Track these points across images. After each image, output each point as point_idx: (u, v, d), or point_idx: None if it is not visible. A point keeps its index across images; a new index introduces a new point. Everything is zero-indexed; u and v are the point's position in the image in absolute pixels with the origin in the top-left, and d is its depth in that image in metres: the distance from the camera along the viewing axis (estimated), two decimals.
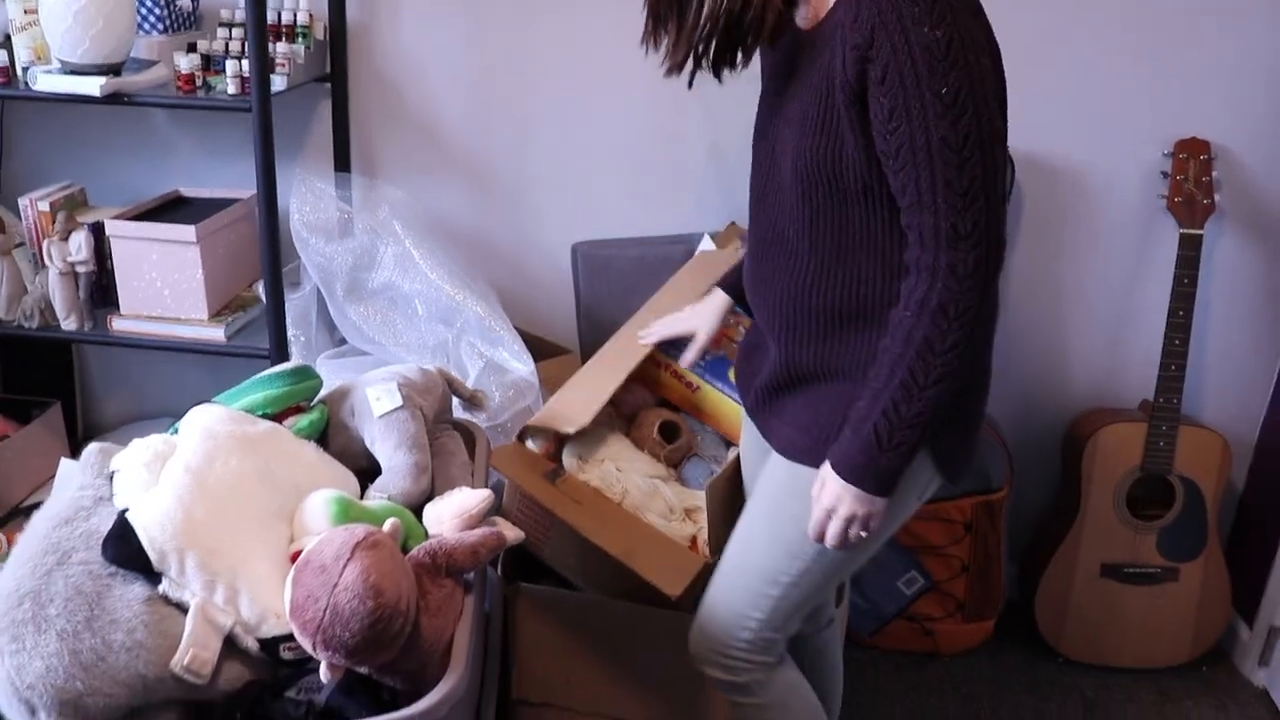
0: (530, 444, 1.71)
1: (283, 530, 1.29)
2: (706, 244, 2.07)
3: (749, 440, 1.56)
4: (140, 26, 2.04)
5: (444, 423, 1.62)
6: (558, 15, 2.15)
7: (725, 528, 1.46)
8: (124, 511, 1.19)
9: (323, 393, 1.54)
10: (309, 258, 2.05)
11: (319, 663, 1.13)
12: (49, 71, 1.89)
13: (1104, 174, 2.17)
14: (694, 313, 1.68)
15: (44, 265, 2.05)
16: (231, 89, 1.89)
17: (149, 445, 1.30)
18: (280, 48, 1.96)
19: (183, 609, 1.15)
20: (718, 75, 1.27)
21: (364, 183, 2.19)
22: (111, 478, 1.28)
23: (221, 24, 2.08)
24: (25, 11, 1.95)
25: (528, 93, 2.21)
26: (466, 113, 2.24)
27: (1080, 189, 2.19)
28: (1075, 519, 2.20)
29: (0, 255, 2.07)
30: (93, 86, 1.85)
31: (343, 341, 2.11)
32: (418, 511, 1.37)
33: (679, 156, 2.23)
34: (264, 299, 1.99)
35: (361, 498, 1.40)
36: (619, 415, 1.84)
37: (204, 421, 1.33)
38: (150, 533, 1.15)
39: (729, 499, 1.60)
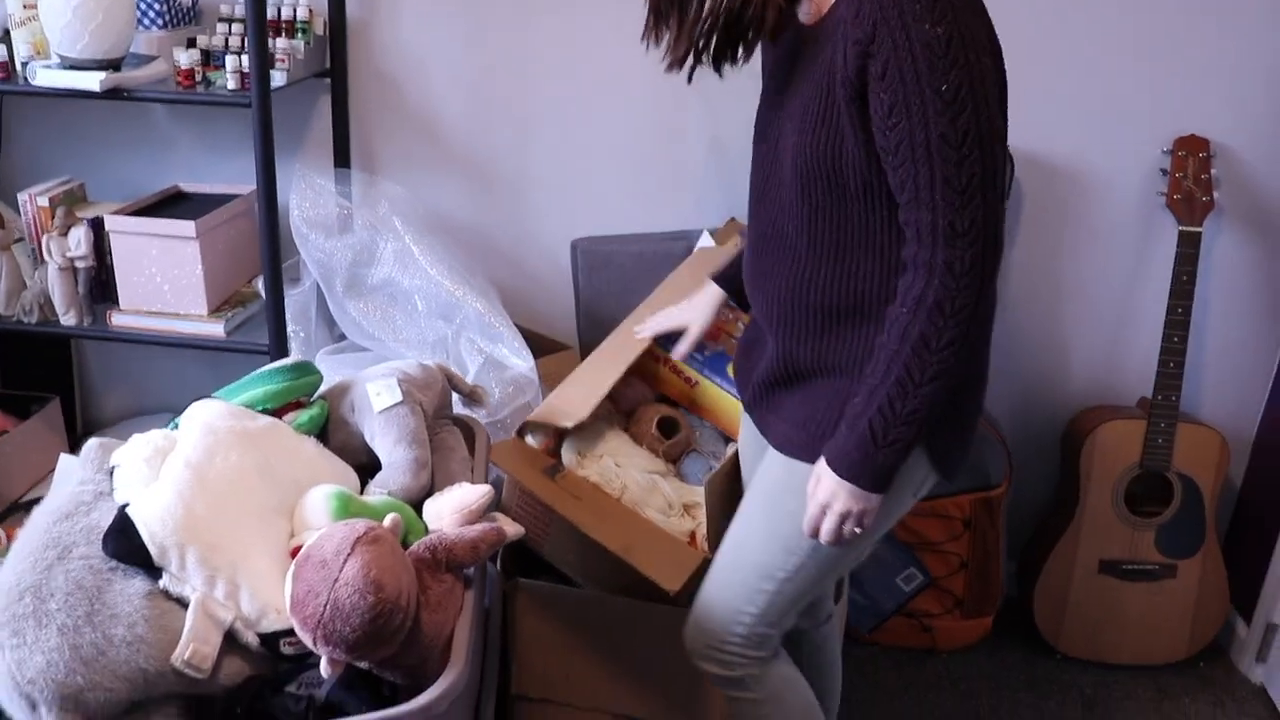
0: (529, 440, 1.71)
1: (283, 525, 1.29)
2: (706, 240, 2.07)
3: (747, 436, 1.56)
4: (140, 21, 2.03)
5: (444, 418, 1.63)
6: (558, 10, 2.15)
7: (724, 523, 1.46)
8: (124, 506, 1.19)
9: (323, 388, 1.54)
10: (308, 253, 2.05)
11: (319, 658, 1.13)
12: (48, 66, 1.89)
13: (1103, 171, 2.17)
14: (688, 306, 1.69)
15: (43, 260, 2.05)
16: (231, 84, 1.89)
17: (149, 440, 1.31)
18: (280, 43, 1.96)
19: (183, 604, 1.15)
20: (718, 70, 1.27)
21: (364, 178, 2.19)
22: (112, 473, 1.28)
23: (221, 19, 2.08)
24: (25, 6, 1.95)
25: (528, 89, 2.21)
26: (466, 108, 2.24)
27: (1079, 186, 2.19)
28: (1074, 516, 2.20)
29: None
30: (92, 82, 1.85)
31: (342, 337, 2.11)
32: (417, 507, 1.37)
33: (678, 152, 2.23)
34: (263, 294, 1.99)
35: (361, 493, 1.40)
36: (618, 411, 1.84)
37: (204, 417, 1.33)
38: (151, 528, 1.16)
39: (728, 494, 1.60)
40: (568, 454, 1.71)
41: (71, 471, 1.34)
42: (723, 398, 1.80)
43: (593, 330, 2.12)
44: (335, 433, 1.50)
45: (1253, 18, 2.04)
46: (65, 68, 1.88)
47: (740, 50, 1.26)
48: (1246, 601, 2.29)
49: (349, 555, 1.11)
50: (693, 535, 1.65)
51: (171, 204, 2.14)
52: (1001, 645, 2.32)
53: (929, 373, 1.15)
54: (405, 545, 1.23)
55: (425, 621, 1.16)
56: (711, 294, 1.65)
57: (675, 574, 1.54)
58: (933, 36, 1.06)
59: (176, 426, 1.35)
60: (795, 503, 1.28)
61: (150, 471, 1.26)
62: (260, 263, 1.97)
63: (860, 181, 1.17)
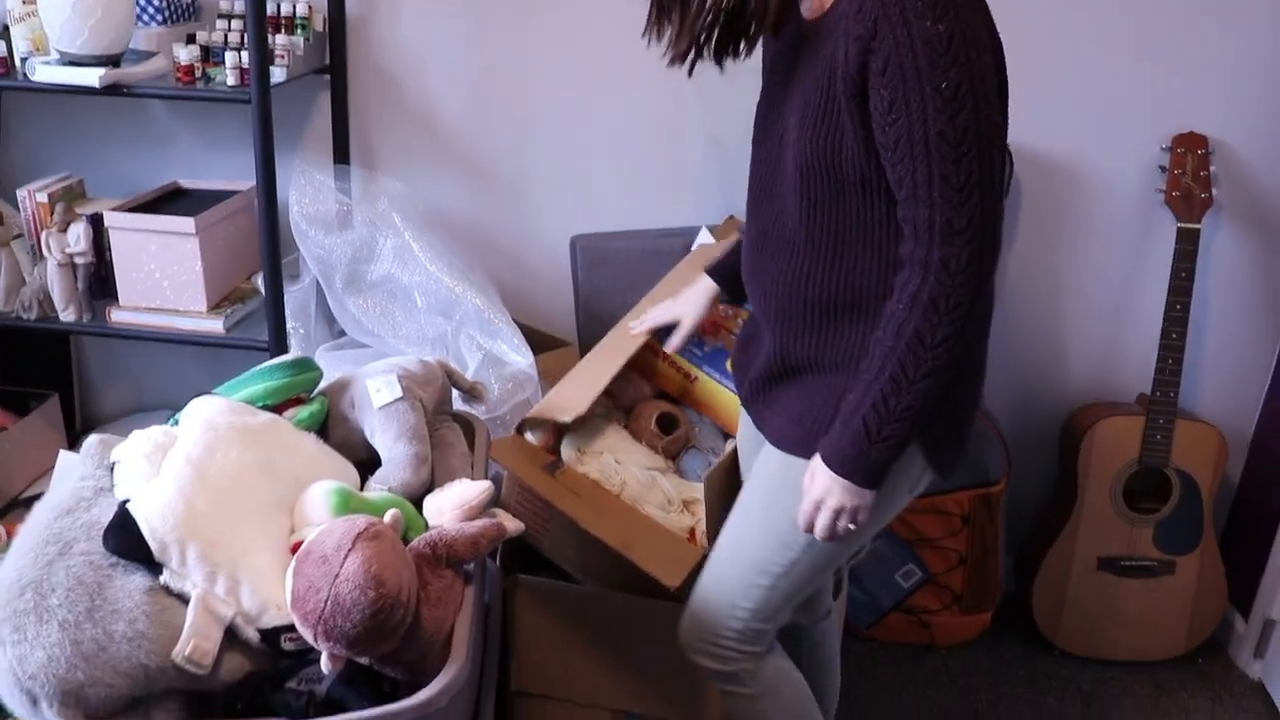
0: (529, 436, 1.71)
1: (283, 521, 1.29)
2: (705, 237, 2.07)
3: (745, 431, 1.56)
4: (139, 17, 2.03)
5: (443, 414, 1.63)
6: (557, 8, 2.15)
7: (723, 519, 1.46)
8: (125, 502, 1.19)
9: (322, 384, 1.54)
10: (308, 250, 2.05)
11: (320, 653, 1.13)
12: (47, 62, 1.89)
13: (1102, 168, 2.18)
14: (681, 299, 1.68)
15: (42, 257, 2.05)
16: (231, 80, 1.89)
17: (149, 436, 1.31)
18: (279, 39, 1.96)
19: (184, 600, 1.15)
20: (719, 64, 1.27)
21: (363, 175, 2.19)
22: (112, 469, 1.28)
23: (221, 15, 2.08)
24: (24, 2, 1.95)
25: (528, 86, 2.21)
26: (466, 105, 2.23)
27: (1078, 183, 2.19)
28: (1072, 512, 2.20)
29: None
30: (91, 77, 1.85)
31: (342, 333, 2.11)
32: (418, 503, 1.37)
33: (678, 149, 2.23)
34: (263, 291, 1.99)
35: (361, 489, 1.40)
36: (617, 407, 1.84)
37: (204, 413, 1.33)
38: (151, 523, 1.16)
39: (727, 490, 1.60)
40: (567, 450, 1.71)
41: (71, 468, 1.33)
42: (722, 393, 1.80)
43: (592, 327, 2.12)
44: (335, 429, 1.50)
45: (1251, 16, 2.04)
46: (64, 64, 1.87)
47: (742, 45, 1.26)
48: (1244, 597, 2.30)
49: (350, 551, 1.12)
50: (692, 531, 1.65)
51: (171, 200, 2.14)
52: (1000, 641, 2.33)
53: (923, 369, 1.15)
54: (405, 541, 1.23)
55: (425, 617, 1.17)
56: (704, 287, 1.65)
57: (675, 570, 1.55)
58: (934, 34, 1.06)
59: (176, 423, 1.35)
60: (791, 498, 1.29)
61: (151, 467, 1.26)
62: (260, 259, 1.97)
63: (859, 177, 1.18)
